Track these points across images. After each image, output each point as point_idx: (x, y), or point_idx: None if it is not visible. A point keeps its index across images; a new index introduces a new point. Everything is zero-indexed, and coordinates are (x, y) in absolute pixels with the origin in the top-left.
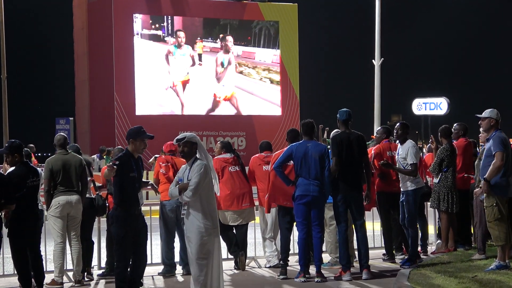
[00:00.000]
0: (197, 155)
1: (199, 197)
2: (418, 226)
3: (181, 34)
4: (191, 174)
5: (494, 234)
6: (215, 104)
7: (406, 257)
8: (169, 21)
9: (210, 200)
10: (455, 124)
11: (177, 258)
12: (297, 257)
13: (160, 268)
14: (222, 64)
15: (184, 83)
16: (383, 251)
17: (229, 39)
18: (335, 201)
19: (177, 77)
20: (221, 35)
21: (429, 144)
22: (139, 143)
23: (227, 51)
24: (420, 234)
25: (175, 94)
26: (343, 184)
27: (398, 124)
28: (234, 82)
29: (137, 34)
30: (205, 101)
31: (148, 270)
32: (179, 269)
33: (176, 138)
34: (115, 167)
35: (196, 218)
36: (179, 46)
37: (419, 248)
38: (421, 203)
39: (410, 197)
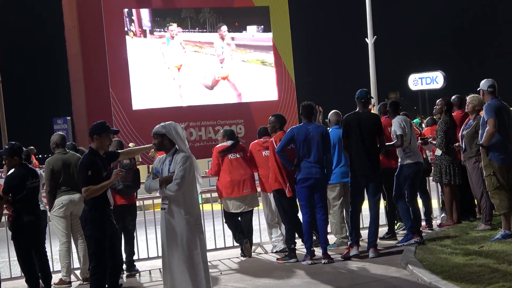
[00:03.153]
0: (176, 146)
1: (184, 191)
2: (404, 202)
3: (172, 27)
4: (174, 167)
5: (496, 203)
6: (214, 83)
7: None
8: (158, 14)
9: (192, 194)
10: (453, 96)
11: None
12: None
13: (158, 262)
14: (217, 51)
15: (179, 69)
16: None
17: (223, 28)
18: (350, 182)
19: (171, 65)
20: (216, 25)
21: (428, 119)
22: (104, 139)
23: (222, 38)
24: (424, 209)
25: (171, 85)
26: (357, 164)
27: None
28: (229, 69)
29: (129, 30)
30: (202, 89)
31: (146, 264)
32: None
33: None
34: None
35: (178, 213)
36: (171, 37)
37: (423, 223)
38: (422, 178)
39: (400, 171)
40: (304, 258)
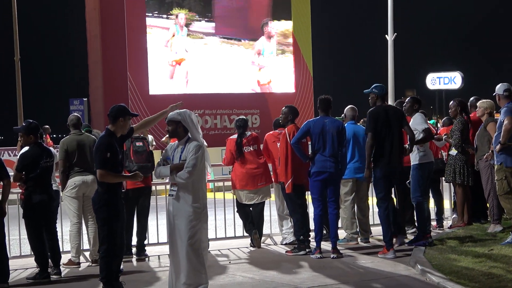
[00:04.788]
0: (189, 135)
1: (193, 180)
2: (425, 202)
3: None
4: (186, 155)
5: (506, 208)
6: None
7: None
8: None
9: (201, 183)
10: (471, 98)
11: None
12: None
13: (168, 247)
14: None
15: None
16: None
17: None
18: (375, 177)
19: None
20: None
21: (445, 119)
22: (127, 122)
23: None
24: (435, 209)
25: (188, 72)
26: (382, 159)
27: (408, 98)
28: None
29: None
30: (219, 77)
31: (156, 249)
32: None
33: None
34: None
35: (186, 200)
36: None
37: (434, 223)
38: (436, 178)
39: (414, 171)
40: (313, 251)
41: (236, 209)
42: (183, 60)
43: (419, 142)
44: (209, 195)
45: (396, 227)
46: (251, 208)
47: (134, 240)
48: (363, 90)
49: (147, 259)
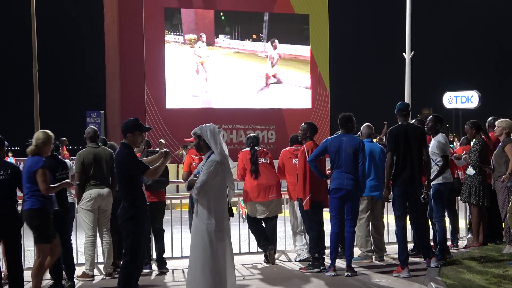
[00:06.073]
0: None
1: (208, 196)
2: (443, 221)
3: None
4: (203, 170)
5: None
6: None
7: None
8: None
9: (219, 200)
10: (489, 118)
11: None
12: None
13: (181, 262)
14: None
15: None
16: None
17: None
18: (393, 195)
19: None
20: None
21: (463, 138)
22: (136, 137)
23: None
24: (450, 228)
25: (205, 87)
26: (401, 178)
27: (430, 116)
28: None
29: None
30: (235, 92)
31: (178, 264)
32: None
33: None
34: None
35: (201, 217)
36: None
37: (449, 243)
38: (451, 198)
39: (434, 191)
40: (327, 269)
41: (248, 225)
42: (204, 61)
43: (435, 177)
44: None
45: (425, 248)
46: (263, 224)
47: (154, 254)
48: (379, 107)
49: (168, 272)
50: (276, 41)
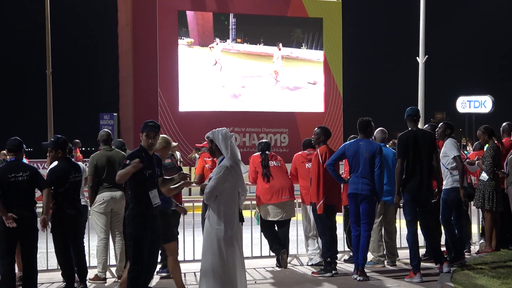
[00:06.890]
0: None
1: (218, 201)
2: (456, 226)
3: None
4: (213, 175)
5: None
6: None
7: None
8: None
9: (229, 205)
10: (504, 123)
11: None
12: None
13: (192, 265)
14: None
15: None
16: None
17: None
18: (404, 200)
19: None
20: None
21: (476, 143)
22: (147, 137)
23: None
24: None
25: (219, 90)
26: (410, 183)
27: (441, 123)
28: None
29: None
30: (248, 95)
31: (190, 267)
32: None
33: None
34: (141, 164)
35: (211, 221)
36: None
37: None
38: (464, 203)
39: (445, 195)
40: (353, 272)
41: (261, 229)
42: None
43: (461, 182)
44: None
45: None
46: (276, 228)
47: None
48: (392, 111)
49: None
50: (280, 44)
